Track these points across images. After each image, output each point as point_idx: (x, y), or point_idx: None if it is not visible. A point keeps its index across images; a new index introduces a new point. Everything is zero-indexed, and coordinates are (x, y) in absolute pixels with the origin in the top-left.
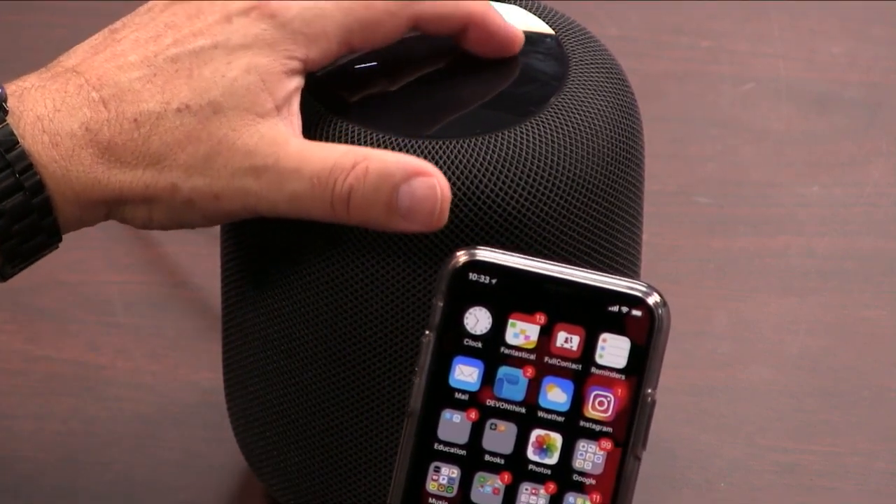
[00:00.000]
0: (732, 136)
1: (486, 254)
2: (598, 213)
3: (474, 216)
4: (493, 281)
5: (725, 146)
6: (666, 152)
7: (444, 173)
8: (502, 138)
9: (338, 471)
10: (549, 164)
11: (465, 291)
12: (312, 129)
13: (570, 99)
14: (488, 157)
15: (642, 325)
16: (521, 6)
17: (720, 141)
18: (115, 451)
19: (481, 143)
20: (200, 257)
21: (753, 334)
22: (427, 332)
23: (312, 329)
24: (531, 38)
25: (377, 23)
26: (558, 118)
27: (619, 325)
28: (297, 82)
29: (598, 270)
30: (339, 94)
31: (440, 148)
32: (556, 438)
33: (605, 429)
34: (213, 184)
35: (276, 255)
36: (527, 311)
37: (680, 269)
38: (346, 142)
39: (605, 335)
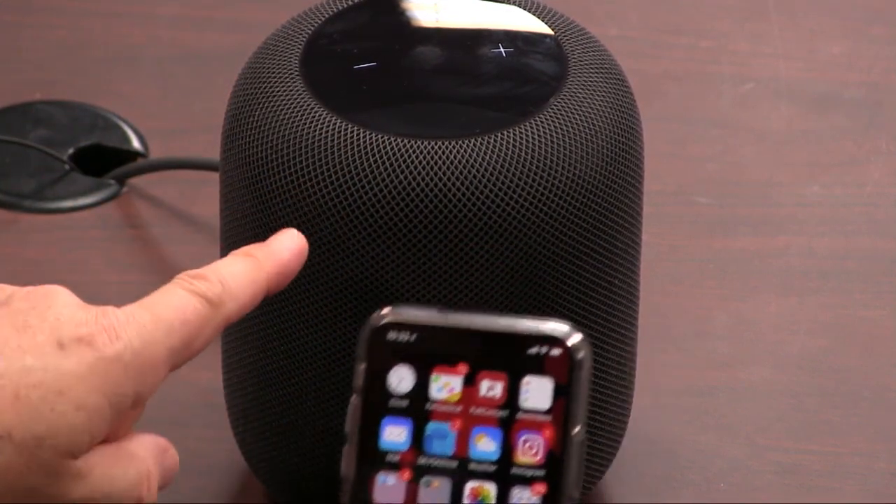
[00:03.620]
0: (732, 136)
1: (401, 312)
2: (598, 213)
3: (473, 216)
4: (412, 338)
5: (725, 146)
6: (666, 152)
7: (444, 173)
8: (502, 138)
9: (337, 471)
10: (549, 164)
11: (385, 351)
12: (312, 129)
13: (569, 99)
14: (488, 157)
15: (562, 364)
16: (520, 6)
17: (720, 141)
18: None
19: (481, 143)
20: (200, 257)
21: (753, 334)
22: (354, 395)
23: (312, 329)
24: (531, 38)
25: (196, 335)
26: (558, 118)
27: (539, 367)
28: (122, 419)
29: (515, 313)
30: (339, 94)
31: (440, 148)
32: (490, 489)
33: (537, 473)
34: None
35: None
36: (448, 363)
37: (680, 269)
38: (345, 141)
39: (527, 378)
